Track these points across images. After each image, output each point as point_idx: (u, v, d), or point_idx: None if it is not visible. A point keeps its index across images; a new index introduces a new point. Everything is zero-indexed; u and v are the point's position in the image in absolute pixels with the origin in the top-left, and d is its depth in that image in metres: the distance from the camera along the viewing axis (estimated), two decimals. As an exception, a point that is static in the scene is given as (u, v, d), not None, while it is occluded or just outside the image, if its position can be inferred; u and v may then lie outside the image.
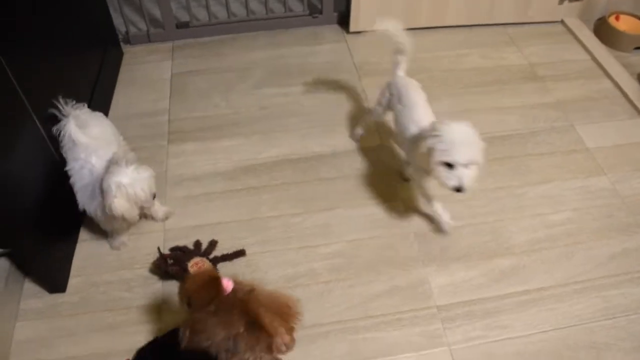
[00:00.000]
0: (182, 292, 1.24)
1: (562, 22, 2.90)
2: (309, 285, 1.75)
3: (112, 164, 1.60)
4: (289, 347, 1.18)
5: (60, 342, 1.62)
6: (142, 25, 2.74)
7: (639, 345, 1.63)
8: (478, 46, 2.74)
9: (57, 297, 1.73)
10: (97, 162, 1.67)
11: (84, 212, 1.71)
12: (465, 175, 1.54)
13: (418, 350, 1.61)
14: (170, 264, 1.72)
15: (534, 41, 2.78)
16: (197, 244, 1.83)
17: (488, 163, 1.61)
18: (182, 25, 2.72)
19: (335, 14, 2.84)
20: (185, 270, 1.71)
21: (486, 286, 1.76)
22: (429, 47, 2.72)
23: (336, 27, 2.85)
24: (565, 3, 2.83)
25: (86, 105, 1.82)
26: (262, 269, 1.79)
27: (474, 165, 1.56)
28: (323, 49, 2.72)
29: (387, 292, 1.75)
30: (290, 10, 2.83)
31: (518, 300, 1.73)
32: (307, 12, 2.82)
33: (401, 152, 2.14)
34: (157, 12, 2.69)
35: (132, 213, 1.62)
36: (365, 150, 2.19)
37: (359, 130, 2.20)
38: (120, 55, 2.63)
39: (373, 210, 1.98)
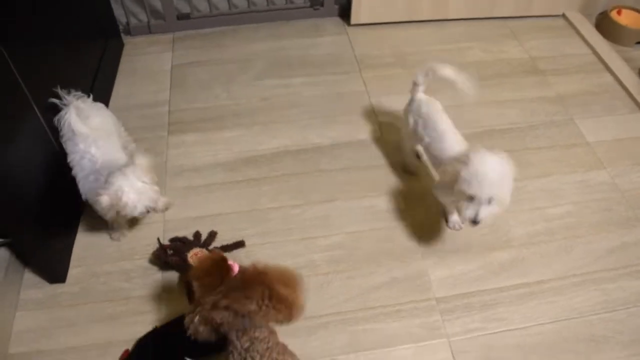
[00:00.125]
0: (190, 278, 1.26)
1: (563, 15, 2.90)
2: (309, 276, 1.76)
3: (130, 165, 1.62)
4: (301, 313, 1.24)
5: (60, 332, 1.63)
6: (143, 17, 2.73)
7: (637, 338, 1.64)
8: (479, 40, 2.73)
9: (57, 288, 1.73)
10: (96, 152, 1.67)
11: (86, 202, 1.71)
12: (483, 210, 1.51)
13: (417, 341, 1.62)
14: (170, 255, 1.73)
15: (535, 35, 2.78)
16: (197, 234, 1.83)
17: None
18: (183, 17, 2.71)
19: (337, 6, 2.84)
20: (185, 260, 1.71)
21: (485, 279, 1.77)
22: (432, 40, 2.72)
23: (337, 20, 2.85)
24: (567, -3, 2.83)
25: (90, 95, 1.82)
26: (262, 261, 1.79)
27: (497, 201, 1.52)
28: (324, 41, 2.72)
29: (386, 283, 1.75)
30: (291, 2, 2.82)
31: (517, 293, 1.74)
32: (308, 4, 2.81)
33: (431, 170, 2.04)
34: (157, 3, 2.68)
35: (108, 214, 1.64)
36: (366, 142, 2.19)
37: (411, 166, 2.08)
38: (120, 46, 2.63)
39: (373, 202, 1.98)
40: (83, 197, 1.71)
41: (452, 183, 1.55)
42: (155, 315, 1.66)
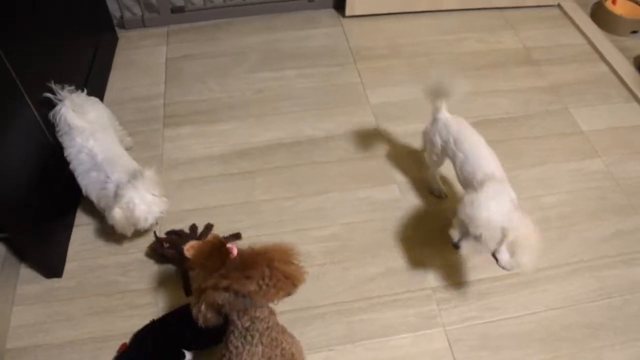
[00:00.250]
0: (191, 263, 1.29)
1: (558, 5, 2.89)
2: (304, 268, 1.75)
3: (138, 176, 1.64)
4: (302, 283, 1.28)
5: (57, 326, 1.63)
6: (137, 10, 2.72)
7: (632, 325, 1.65)
8: (475, 30, 2.73)
9: (54, 282, 1.73)
10: (95, 145, 1.68)
11: (85, 196, 1.73)
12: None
13: (414, 331, 1.63)
14: (166, 248, 1.73)
15: (530, 25, 2.78)
16: (193, 227, 1.83)
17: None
18: (177, 10, 2.71)
19: (331, -2, 2.83)
20: (181, 253, 1.71)
21: (480, 268, 1.77)
22: (427, 31, 2.71)
23: (332, 11, 2.84)
24: (562, -14, 2.82)
25: (84, 90, 1.82)
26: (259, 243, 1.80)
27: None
28: (319, 33, 2.71)
29: (382, 274, 1.75)
30: (286, -6, 2.82)
31: (512, 282, 1.74)
32: (303, -4, 2.81)
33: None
34: (151, -3, 2.68)
35: (125, 230, 1.67)
36: (360, 134, 2.19)
37: (437, 191, 1.99)
38: (115, 40, 2.62)
39: (367, 194, 1.98)
40: (83, 191, 1.71)
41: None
42: (152, 309, 1.66)
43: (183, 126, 2.21)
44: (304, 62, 2.52)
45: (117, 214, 1.61)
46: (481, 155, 1.64)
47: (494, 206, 1.43)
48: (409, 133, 2.18)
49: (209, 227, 1.83)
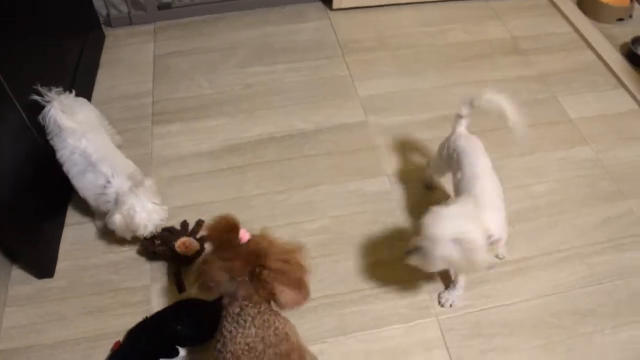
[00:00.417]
0: (207, 232, 1.31)
1: (545, -6, 2.90)
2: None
3: (138, 184, 1.64)
4: (296, 303, 1.27)
5: (49, 326, 1.63)
6: (124, 7, 2.70)
7: (622, 310, 1.66)
8: (462, 20, 2.73)
9: (46, 283, 1.73)
10: (88, 145, 1.66)
11: (84, 199, 1.72)
12: (417, 257, 1.44)
13: (406, 321, 1.64)
14: (158, 245, 1.73)
15: (517, 14, 2.78)
16: (184, 224, 1.83)
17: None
18: (164, 6, 2.69)
19: (318, -9, 2.83)
20: (173, 250, 1.71)
21: (471, 257, 1.78)
22: (412, 23, 2.71)
23: (319, 5, 2.83)
24: (548, -25, 2.83)
25: (72, 91, 1.80)
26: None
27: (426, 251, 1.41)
28: (307, 26, 2.71)
29: (373, 265, 1.76)
30: (273, -12, 2.81)
31: (503, 270, 1.75)
32: (290, -10, 2.80)
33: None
34: (137, -6, 2.67)
35: (124, 235, 1.68)
36: (350, 126, 2.19)
37: (428, 185, 1.99)
38: (101, 38, 2.61)
39: (358, 186, 1.98)
40: (80, 194, 1.71)
41: None
42: (145, 306, 1.66)
43: (172, 123, 2.20)
44: (292, 56, 2.52)
45: (117, 220, 1.61)
46: (477, 175, 1.56)
47: (449, 227, 1.35)
48: (396, 125, 2.18)
49: (200, 224, 1.83)
